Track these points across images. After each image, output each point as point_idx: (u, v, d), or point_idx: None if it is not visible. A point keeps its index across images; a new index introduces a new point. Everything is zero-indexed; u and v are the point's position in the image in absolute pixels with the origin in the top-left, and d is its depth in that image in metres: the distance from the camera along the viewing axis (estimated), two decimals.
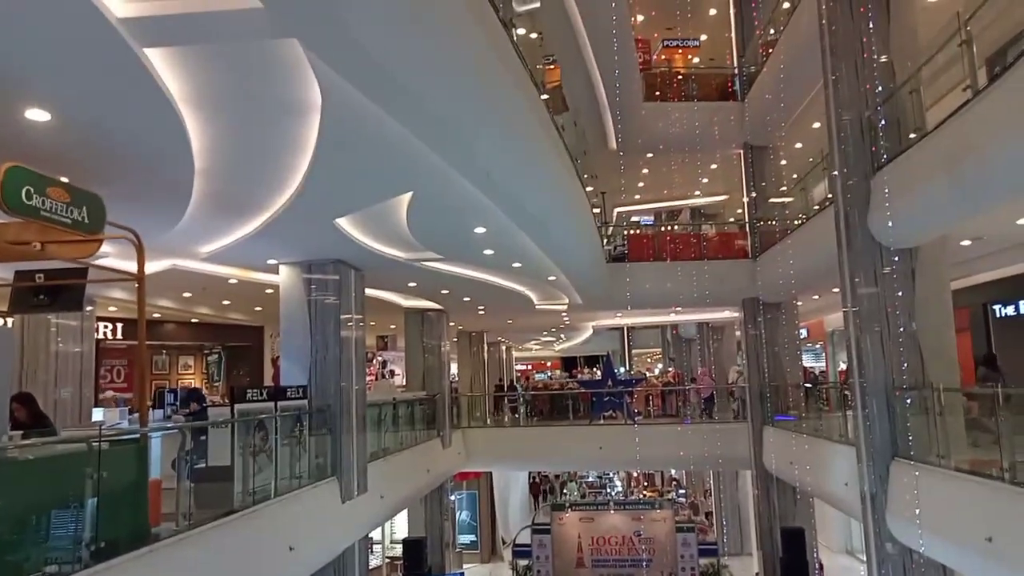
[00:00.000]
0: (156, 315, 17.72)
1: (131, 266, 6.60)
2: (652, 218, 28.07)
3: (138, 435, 6.86)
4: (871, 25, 10.50)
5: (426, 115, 6.50)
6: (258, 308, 18.00)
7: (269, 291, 13.79)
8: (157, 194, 7.40)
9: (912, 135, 9.91)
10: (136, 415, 9.36)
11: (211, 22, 4.72)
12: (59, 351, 12.01)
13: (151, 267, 9.84)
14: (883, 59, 10.64)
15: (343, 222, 9.61)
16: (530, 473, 31.12)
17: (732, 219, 23.22)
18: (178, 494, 7.14)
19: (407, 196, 8.90)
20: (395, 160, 7.56)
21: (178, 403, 11.93)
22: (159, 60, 5.12)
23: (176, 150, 6.27)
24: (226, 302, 17.02)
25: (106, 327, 16.95)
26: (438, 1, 5.35)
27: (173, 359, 21.14)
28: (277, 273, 11.85)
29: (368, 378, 14.90)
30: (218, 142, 6.49)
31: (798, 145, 18.19)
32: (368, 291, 13.10)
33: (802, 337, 21.31)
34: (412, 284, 14.91)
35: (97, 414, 11.91)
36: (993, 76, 7.82)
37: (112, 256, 8.24)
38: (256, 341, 21.80)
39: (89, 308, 12.66)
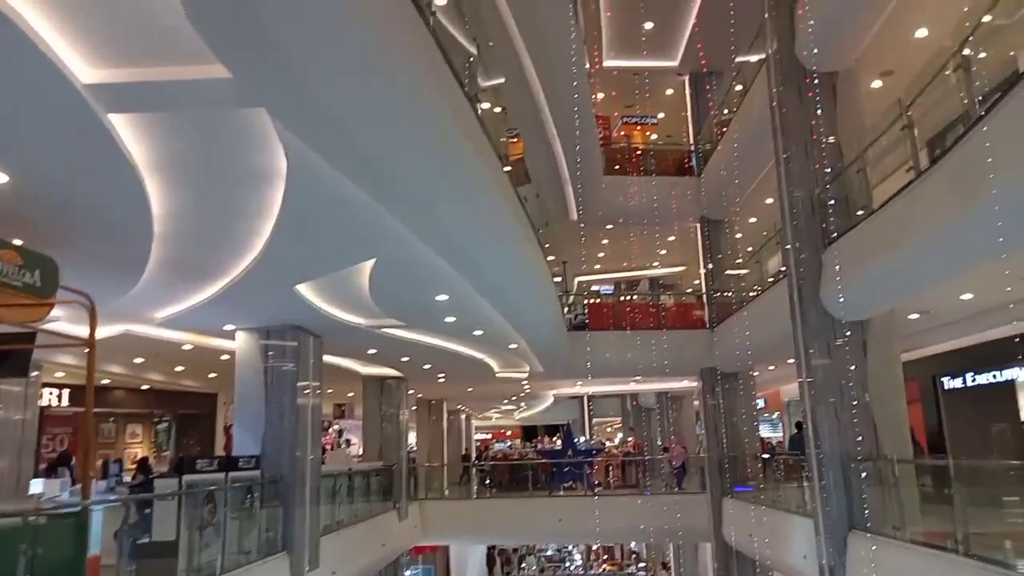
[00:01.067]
0: (105, 381, 17.15)
1: (82, 331, 6.43)
2: (612, 288, 28.43)
3: (79, 508, 6.56)
4: (819, 108, 11.02)
5: (391, 184, 6.58)
6: (212, 375, 17.58)
7: (224, 357, 13.50)
8: (114, 258, 7.29)
9: (860, 212, 10.33)
10: (78, 487, 8.96)
11: (179, 90, 4.77)
12: None
13: (103, 332, 9.57)
14: (831, 140, 11.15)
15: (303, 288, 9.54)
16: (488, 546, 30.35)
17: (690, 290, 23.64)
18: (119, 571, 6.81)
19: (370, 263, 8.90)
20: (359, 227, 7.59)
21: (122, 473, 11.48)
22: (124, 125, 5.13)
23: (136, 215, 6.22)
24: (179, 368, 16.59)
25: (51, 393, 16.31)
26: (405, 76, 5.48)
27: (121, 427, 20.37)
28: (233, 339, 11.64)
29: (324, 447, 14.51)
30: (180, 208, 6.46)
31: (752, 219, 18.75)
32: (326, 358, 12.92)
33: (759, 407, 21.49)
34: (372, 351, 14.76)
35: (36, 486, 11.37)
36: (934, 158, 8.24)
37: (63, 320, 8.03)
38: (208, 409, 21.18)
39: (35, 373, 12.23)
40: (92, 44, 4.40)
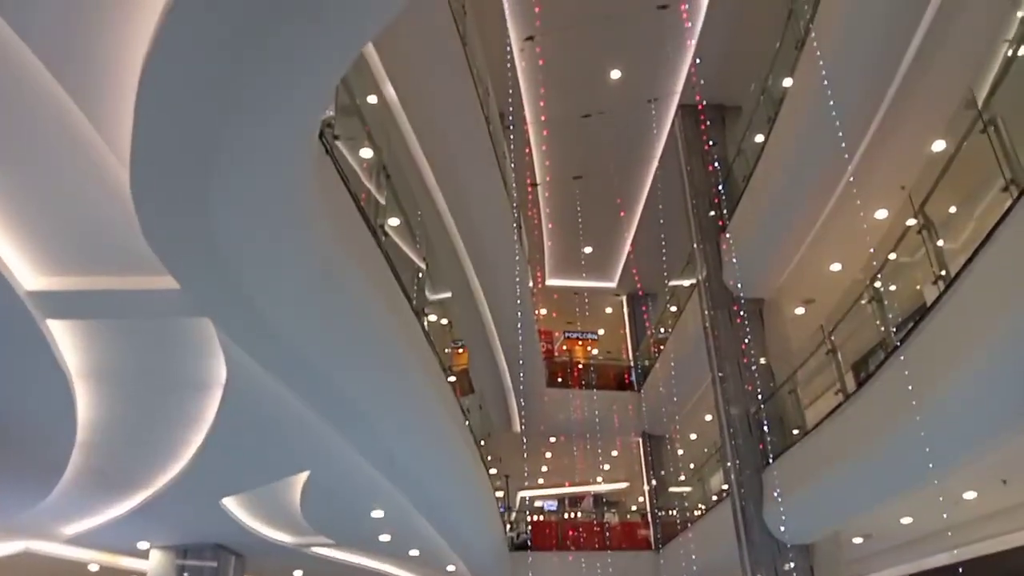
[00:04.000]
0: None
1: None
2: (556, 503, 27.56)
3: None
4: (748, 331, 11.62)
5: (333, 396, 6.51)
6: None
7: None
8: (28, 467, 6.85)
9: (795, 431, 10.54)
10: None
11: (125, 299, 4.79)
12: None
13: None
14: (762, 361, 11.64)
15: (229, 502, 9.02)
16: None
17: (634, 507, 23.08)
18: None
19: (303, 475, 8.54)
20: (295, 438, 7.38)
21: None
22: (61, 331, 5.07)
23: (59, 423, 5.96)
24: None
25: None
26: (354, 294, 5.63)
27: None
28: (147, 559, 10.71)
29: None
30: (108, 415, 6.22)
31: (693, 436, 18.88)
32: None
33: None
34: (298, 572, 13.69)
35: None
36: (859, 382, 8.62)
37: None
38: None
39: None
40: (41, 251, 4.46)
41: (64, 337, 5.10)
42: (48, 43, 3.24)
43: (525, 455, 19.49)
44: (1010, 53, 6.41)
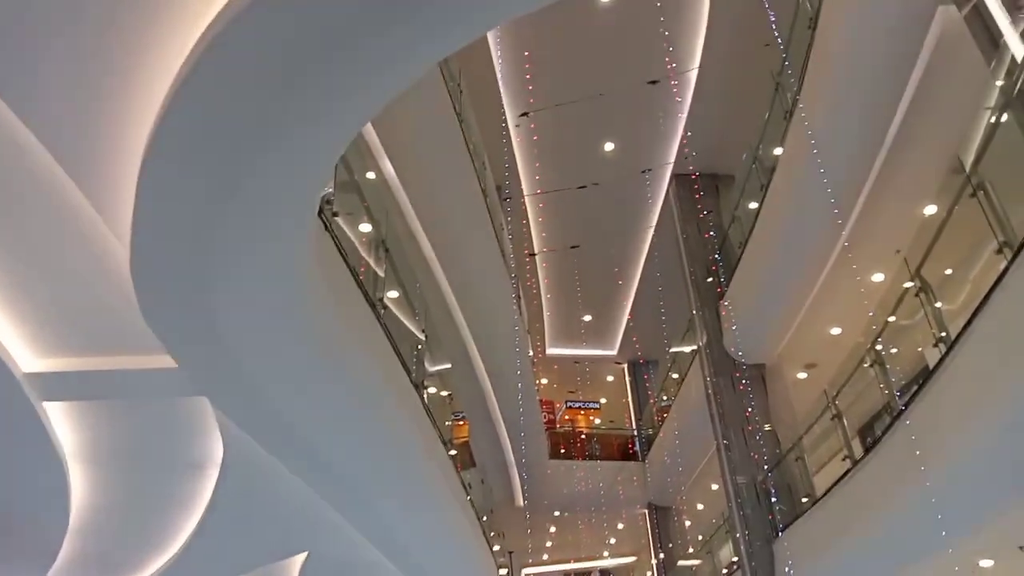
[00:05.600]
0: None
1: None
2: None
3: None
4: (752, 398, 11.52)
5: (332, 475, 6.40)
6: None
7: None
8: (16, 555, 6.66)
9: (804, 499, 10.32)
10: None
11: (122, 379, 4.76)
12: None
13: None
14: (767, 427, 11.50)
15: None
16: None
17: None
18: None
19: (301, 556, 8.31)
20: (293, 518, 7.21)
21: None
22: (57, 412, 5.02)
23: (52, 508, 5.82)
24: None
25: None
26: (354, 370, 5.59)
27: None
28: None
29: None
30: (102, 499, 6.09)
31: (700, 506, 18.49)
32: None
33: None
34: None
35: None
36: (866, 448, 8.50)
37: None
38: None
39: None
40: (39, 333, 4.46)
41: (60, 419, 5.05)
42: (50, 125, 3.31)
43: (529, 530, 19.01)
44: (992, 120, 6.58)
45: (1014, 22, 5.92)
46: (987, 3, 6.24)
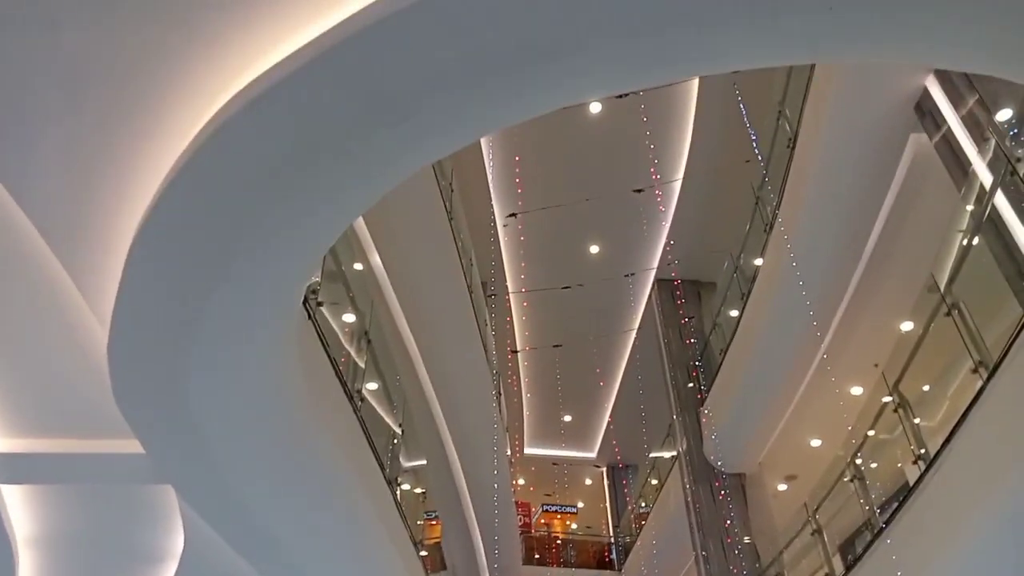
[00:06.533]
0: None
1: None
2: None
3: None
4: (731, 508, 11.31)
5: (293, 570, 6.15)
6: None
7: None
8: None
9: None
10: None
11: (87, 464, 4.64)
12: None
13: None
14: (746, 540, 11.23)
15: None
16: None
17: None
18: None
19: None
20: None
21: None
22: (13, 495, 4.84)
23: None
24: None
25: None
26: (326, 467, 5.43)
27: None
28: None
29: None
30: None
31: None
32: None
33: None
34: None
35: None
36: (848, 565, 8.29)
37: None
38: None
39: None
40: (8, 413, 4.36)
41: (18, 503, 4.86)
42: (42, 206, 3.34)
43: None
44: (964, 242, 6.79)
45: (981, 152, 6.21)
46: (956, 133, 6.55)
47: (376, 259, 8.20)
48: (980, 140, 6.20)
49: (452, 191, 9.53)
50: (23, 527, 5.08)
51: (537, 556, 18.92)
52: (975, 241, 6.63)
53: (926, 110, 6.89)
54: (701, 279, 14.00)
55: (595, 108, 11.28)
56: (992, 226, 6.17)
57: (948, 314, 6.50)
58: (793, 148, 8.56)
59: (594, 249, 13.66)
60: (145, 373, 3.87)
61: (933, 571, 6.29)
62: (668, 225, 12.90)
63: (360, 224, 7.79)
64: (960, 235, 7.03)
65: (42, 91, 2.89)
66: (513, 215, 12.58)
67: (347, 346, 7.33)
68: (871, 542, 7.45)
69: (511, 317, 15.30)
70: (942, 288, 6.82)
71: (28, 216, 3.33)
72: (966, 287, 6.59)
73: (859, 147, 7.53)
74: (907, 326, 8.79)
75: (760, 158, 9.12)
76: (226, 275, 3.33)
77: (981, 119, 6.19)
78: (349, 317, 7.45)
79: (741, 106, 9.23)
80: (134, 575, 5.84)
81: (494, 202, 12.50)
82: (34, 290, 3.77)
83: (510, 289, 14.51)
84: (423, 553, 11.53)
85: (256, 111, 2.68)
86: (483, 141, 11.55)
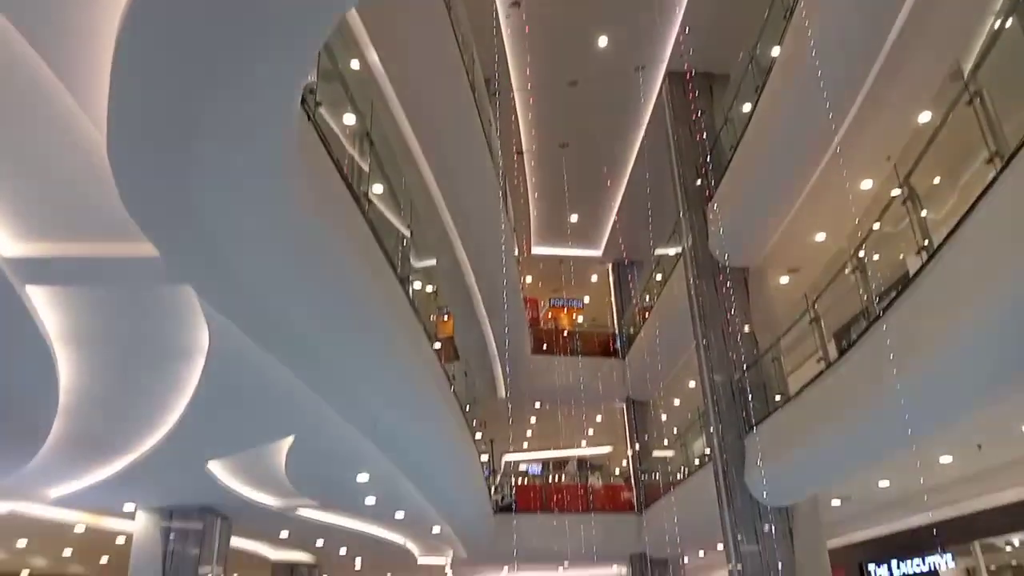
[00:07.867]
0: None
1: None
2: (540, 467, 27.88)
3: None
4: (733, 300, 11.69)
5: (316, 363, 6.52)
6: (104, 559, 16.03)
7: (120, 541, 12.41)
8: (11, 432, 6.84)
9: (777, 398, 10.68)
10: None
11: (104, 266, 4.76)
12: None
13: None
14: (746, 329, 11.73)
15: (215, 465, 9.06)
16: None
17: (618, 471, 23.40)
18: None
19: (288, 440, 8.59)
20: (279, 404, 7.40)
21: None
22: (40, 297, 5.03)
23: (41, 388, 5.94)
24: (67, 552, 15.10)
25: None
26: (338, 263, 5.59)
27: None
28: (133, 519, 10.78)
29: None
30: (89, 381, 6.21)
31: (677, 402, 19.09)
32: (233, 540, 12.03)
33: None
34: (284, 534, 13.83)
35: None
36: (841, 350, 8.72)
37: None
38: None
39: None
40: (20, 217, 4.41)
41: (44, 303, 5.06)
42: (24, 10, 3.16)
43: (510, 420, 19.64)
44: (996, 25, 6.39)
45: None
46: None
47: (373, 56, 7.84)
48: None
49: None
50: (54, 327, 5.33)
51: (545, 347, 19.92)
52: (1008, 24, 6.24)
53: None
54: (714, 71, 13.42)
55: None
56: None
57: (970, 102, 6.27)
58: None
59: (602, 41, 12.96)
60: (146, 177, 3.85)
61: (923, 357, 6.62)
62: (682, 13, 12.12)
63: (354, 17, 7.36)
64: (992, 17, 6.61)
65: None
66: (516, 4, 11.82)
67: (349, 149, 7.23)
68: (866, 329, 7.77)
69: (516, 116, 14.89)
70: (966, 75, 6.53)
71: (11, 21, 3.17)
72: (991, 75, 6.30)
73: None
74: (924, 117, 8.53)
75: None
76: (214, 73, 3.19)
77: None
78: (350, 118, 7.27)
79: None
80: (165, 368, 6.22)
81: None
82: (29, 97, 3.66)
83: (514, 86, 13.99)
84: (436, 345, 12.13)
85: None
86: None
